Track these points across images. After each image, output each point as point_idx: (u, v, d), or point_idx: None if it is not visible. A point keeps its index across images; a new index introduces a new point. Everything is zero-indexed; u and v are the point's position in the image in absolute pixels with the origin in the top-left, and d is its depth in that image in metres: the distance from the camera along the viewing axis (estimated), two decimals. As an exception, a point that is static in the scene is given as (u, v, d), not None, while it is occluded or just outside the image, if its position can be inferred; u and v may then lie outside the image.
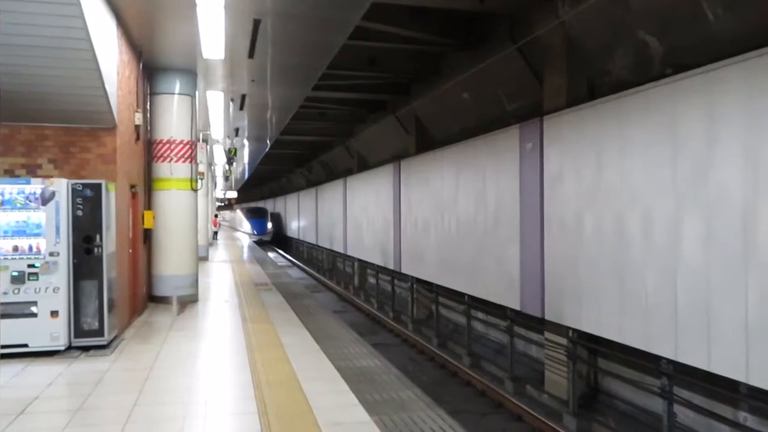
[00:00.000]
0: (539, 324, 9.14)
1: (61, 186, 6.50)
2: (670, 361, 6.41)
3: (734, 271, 5.64)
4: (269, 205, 48.74)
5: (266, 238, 41.88)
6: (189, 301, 10.01)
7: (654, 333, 6.60)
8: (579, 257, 7.91)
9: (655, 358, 6.62)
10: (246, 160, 26.51)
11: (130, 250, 8.43)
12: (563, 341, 8.40)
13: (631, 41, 7.64)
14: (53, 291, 6.40)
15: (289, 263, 31.76)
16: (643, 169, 6.83)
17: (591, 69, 8.53)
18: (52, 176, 6.88)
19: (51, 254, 6.43)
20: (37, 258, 6.41)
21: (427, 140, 14.82)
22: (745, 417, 6.35)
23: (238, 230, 49.29)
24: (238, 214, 50.10)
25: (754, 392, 5.83)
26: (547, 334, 9.02)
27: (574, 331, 8.08)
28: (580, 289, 7.88)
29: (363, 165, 20.97)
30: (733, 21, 6.29)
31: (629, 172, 7.06)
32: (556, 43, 8.71)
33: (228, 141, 18.36)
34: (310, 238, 29.92)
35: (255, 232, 41.64)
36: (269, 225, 43.10)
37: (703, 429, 6.80)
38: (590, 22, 8.03)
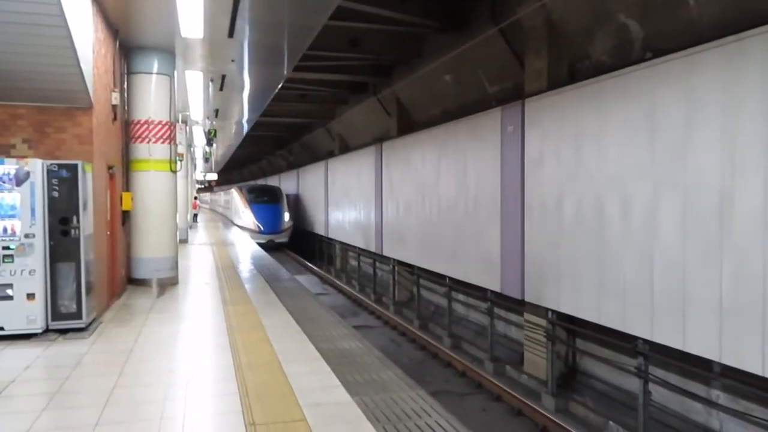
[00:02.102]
0: (519, 305, 9.25)
1: (36, 166, 6.36)
2: (646, 341, 6.53)
3: (710, 254, 5.74)
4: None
5: (282, 238, 26.08)
6: (169, 283, 9.92)
7: (631, 314, 6.72)
8: (559, 240, 7.99)
9: (632, 339, 6.74)
10: (226, 141, 26.20)
11: (108, 232, 8.31)
12: (542, 322, 8.51)
13: (611, 24, 7.65)
14: (29, 273, 6.30)
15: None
16: (622, 152, 6.89)
17: (572, 52, 8.54)
18: (26, 156, 6.73)
19: (26, 236, 6.31)
20: (12, 240, 6.29)
21: (409, 122, 14.78)
22: (717, 395, 6.51)
23: (234, 224, 29.03)
24: (234, 198, 29.81)
25: (727, 371, 5.98)
26: (527, 316, 9.13)
27: (553, 312, 8.19)
28: (559, 271, 7.97)
29: (344, 147, 20.86)
30: (712, 6, 6.33)
31: (608, 156, 7.12)
32: (538, 25, 8.70)
33: (208, 122, 18.10)
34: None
35: (262, 229, 25.41)
36: (287, 217, 26.54)
37: (677, 407, 6.96)
38: (571, 5, 8.03)
